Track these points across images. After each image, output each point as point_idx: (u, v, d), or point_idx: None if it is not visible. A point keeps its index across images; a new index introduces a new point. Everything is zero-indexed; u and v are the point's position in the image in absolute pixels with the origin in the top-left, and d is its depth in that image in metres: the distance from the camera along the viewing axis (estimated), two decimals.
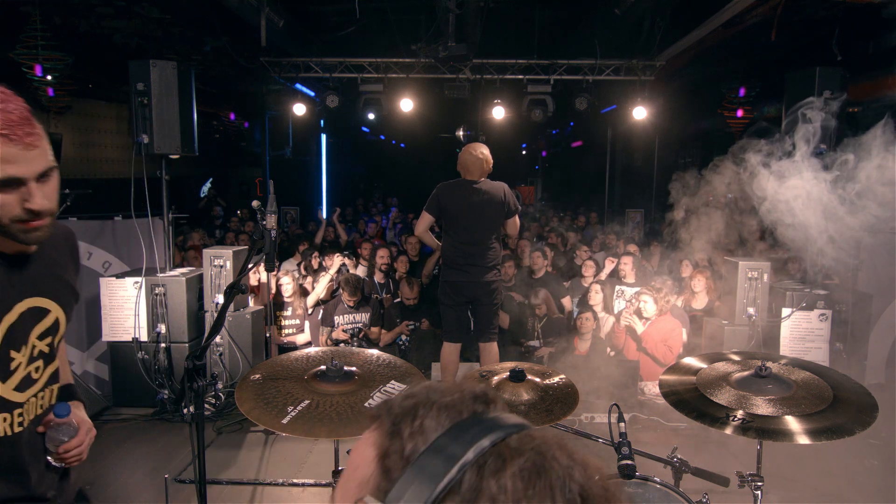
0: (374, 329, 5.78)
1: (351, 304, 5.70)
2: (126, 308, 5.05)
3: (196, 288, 5.24)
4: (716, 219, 4.70)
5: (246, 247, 5.84)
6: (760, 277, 4.95)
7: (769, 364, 2.33)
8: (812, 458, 3.80)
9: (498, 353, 4.68)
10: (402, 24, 7.82)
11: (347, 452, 2.19)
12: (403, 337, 5.82)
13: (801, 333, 4.88)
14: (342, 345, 5.48)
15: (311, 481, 3.83)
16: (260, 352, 5.35)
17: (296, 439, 3.92)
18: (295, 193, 13.55)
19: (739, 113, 9.13)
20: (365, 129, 17.13)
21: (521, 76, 8.24)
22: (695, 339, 5.37)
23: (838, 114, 4.54)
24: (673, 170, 5.10)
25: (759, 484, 2.38)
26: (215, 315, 4.96)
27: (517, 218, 4.63)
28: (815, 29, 6.73)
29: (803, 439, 2.01)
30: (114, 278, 5.11)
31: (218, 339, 5.08)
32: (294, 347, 5.73)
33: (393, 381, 2.34)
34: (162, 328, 5.04)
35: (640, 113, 8.07)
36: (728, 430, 2.09)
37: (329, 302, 5.95)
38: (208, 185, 12.13)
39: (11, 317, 1.45)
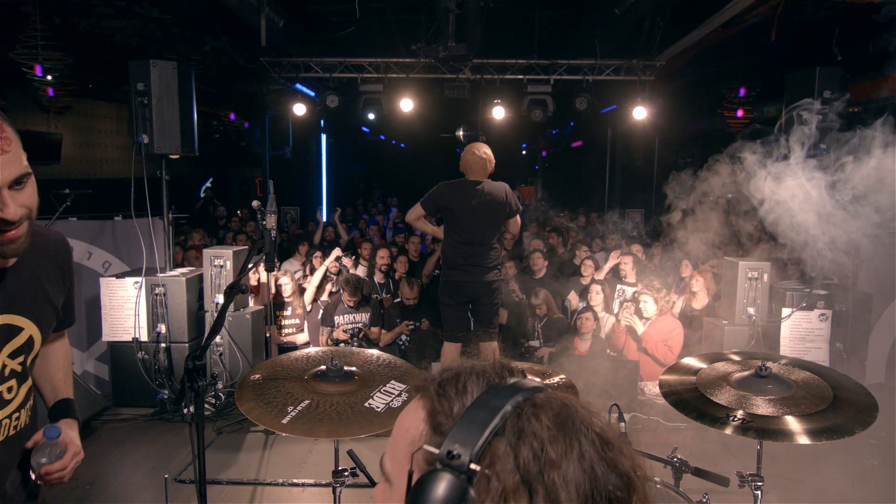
0: (374, 329, 5.79)
1: (351, 304, 5.70)
2: (126, 308, 5.05)
3: (196, 288, 5.24)
4: (713, 219, 4.71)
5: (246, 247, 5.84)
6: (760, 277, 4.95)
7: (769, 364, 2.33)
8: (812, 458, 3.80)
9: (498, 353, 4.67)
10: (402, 24, 7.82)
11: (348, 453, 2.20)
12: (403, 337, 5.82)
13: (801, 333, 4.88)
14: (342, 345, 5.48)
15: (311, 481, 3.83)
16: (260, 352, 5.35)
17: (296, 439, 3.93)
18: (295, 193, 13.56)
19: (739, 113, 9.13)
20: (365, 129, 17.13)
21: (521, 76, 8.23)
22: (692, 338, 5.38)
23: (838, 114, 4.54)
24: (673, 170, 5.10)
25: (759, 484, 2.37)
26: (215, 315, 4.98)
27: (518, 217, 4.64)
28: (815, 29, 6.73)
29: (803, 439, 2.00)
30: (114, 278, 5.11)
31: (218, 339, 5.08)
32: (294, 347, 5.73)
33: (393, 381, 2.34)
34: (162, 328, 5.04)
35: (640, 113, 8.07)
36: (728, 430, 2.08)
37: (329, 302, 5.95)
38: (207, 185, 12.14)
39: None
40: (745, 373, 2.38)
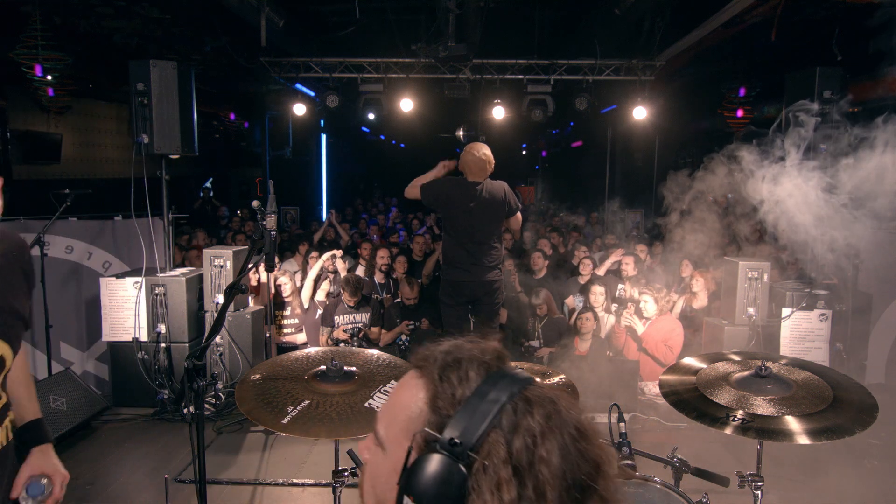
0: (374, 329, 5.79)
1: (351, 304, 5.70)
2: (126, 308, 5.05)
3: (196, 288, 5.24)
4: (711, 220, 4.71)
5: (246, 247, 5.84)
6: (760, 277, 4.95)
7: (769, 364, 2.33)
8: (812, 458, 3.80)
9: None
10: (402, 24, 7.82)
11: (348, 453, 2.20)
12: (403, 337, 5.82)
13: (801, 333, 4.88)
14: (342, 345, 5.48)
15: (311, 481, 3.83)
16: (260, 352, 5.35)
17: (296, 439, 3.91)
18: (295, 193, 13.56)
19: (739, 113, 9.13)
20: (365, 129, 17.13)
21: (521, 76, 8.24)
22: (692, 338, 5.38)
23: (838, 114, 4.54)
24: (673, 170, 5.10)
25: (759, 484, 2.37)
26: (215, 315, 4.98)
27: (519, 215, 4.63)
28: (815, 29, 6.73)
29: (803, 439, 2.00)
30: (114, 278, 5.11)
31: (218, 339, 5.08)
32: (293, 347, 5.73)
33: (393, 381, 2.34)
34: (162, 328, 5.04)
35: (640, 113, 8.07)
36: (728, 430, 2.08)
37: (329, 302, 5.95)
38: (206, 185, 12.16)
39: None
40: (745, 373, 2.38)
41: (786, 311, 4.88)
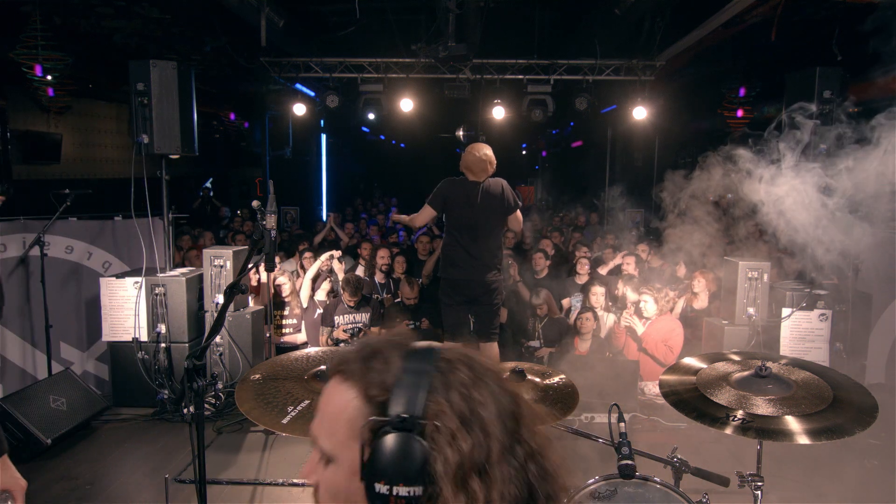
0: (374, 329, 5.78)
1: (351, 304, 5.70)
2: (126, 308, 5.05)
3: (196, 288, 5.24)
4: (710, 220, 4.71)
5: (246, 247, 5.85)
6: (760, 277, 4.95)
7: (769, 364, 2.33)
8: (812, 458, 3.80)
9: (498, 353, 4.67)
10: (402, 24, 7.82)
11: None
12: None
13: (801, 333, 4.88)
14: (342, 345, 5.47)
15: None
16: (260, 352, 5.35)
17: (296, 439, 3.90)
18: (295, 193, 13.54)
19: (739, 113, 9.12)
20: (365, 129, 17.13)
21: (521, 76, 8.23)
22: (693, 339, 5.38)
23: (838, 114, 4.54)
24: (673, 170, 5.10)
25: (759, 484, 2.37)
26: (215, 315, 4.97)
27: (519, 213, 4.62)
28: (815, 29, 6.73)
29: (803, 439, 2.00)
30: (114, 278, 5.11)
31: (218, 339, 5.08)
32: (293, 347, 5.73)
33: None
34: (162, 328, 5.04)
35: (640, 113, 8.06)
36: (728, 430, 2.08)
37: (329, 302, 5.95)
38: (206, 185, 12.15)
39: None
40: (745, 373, 2.38)
41: (786, 311, 4.88)
